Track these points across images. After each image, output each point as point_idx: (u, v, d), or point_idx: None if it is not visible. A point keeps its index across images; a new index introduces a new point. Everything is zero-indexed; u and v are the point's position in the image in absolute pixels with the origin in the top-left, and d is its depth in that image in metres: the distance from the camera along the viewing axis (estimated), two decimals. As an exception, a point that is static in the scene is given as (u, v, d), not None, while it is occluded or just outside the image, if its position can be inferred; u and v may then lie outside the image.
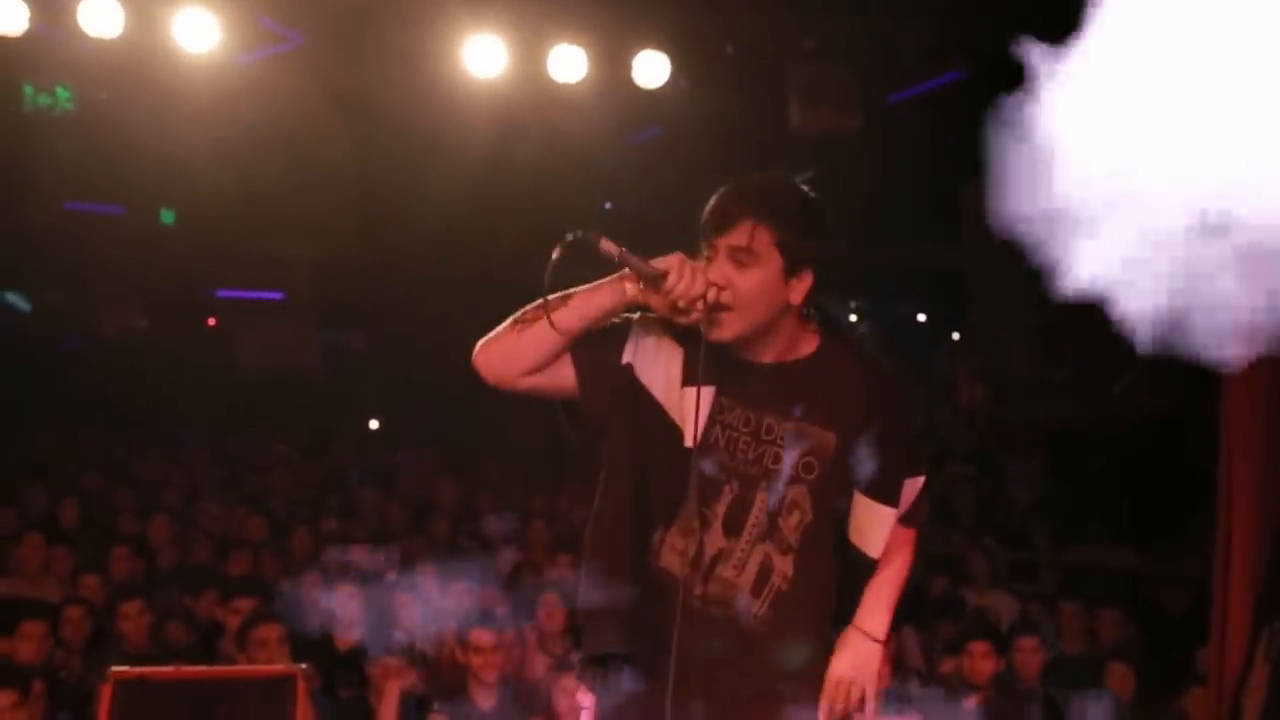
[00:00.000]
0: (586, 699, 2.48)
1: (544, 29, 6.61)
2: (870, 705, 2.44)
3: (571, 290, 2.35)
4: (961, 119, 6.80)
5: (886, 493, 2.41)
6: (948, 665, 5.79)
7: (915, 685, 5.76)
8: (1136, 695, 5.66)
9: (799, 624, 2.38)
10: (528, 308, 2.37)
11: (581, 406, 2.42)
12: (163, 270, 12.24)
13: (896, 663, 5.73)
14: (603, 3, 6.49)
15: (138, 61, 6.89)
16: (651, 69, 6.82)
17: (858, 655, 2.43)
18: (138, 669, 3.91)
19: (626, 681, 2.37)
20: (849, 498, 2.42)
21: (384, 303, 13.11)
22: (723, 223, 2.31)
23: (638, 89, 6.89)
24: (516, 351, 2.36)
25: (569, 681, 5.09)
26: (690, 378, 2.36)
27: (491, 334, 2.39)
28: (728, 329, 2.32)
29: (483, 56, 6.63)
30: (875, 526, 2.41)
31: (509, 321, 2.38)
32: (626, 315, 2.44)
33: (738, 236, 2.29)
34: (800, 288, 2.34)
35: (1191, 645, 6.23)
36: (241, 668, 4.34)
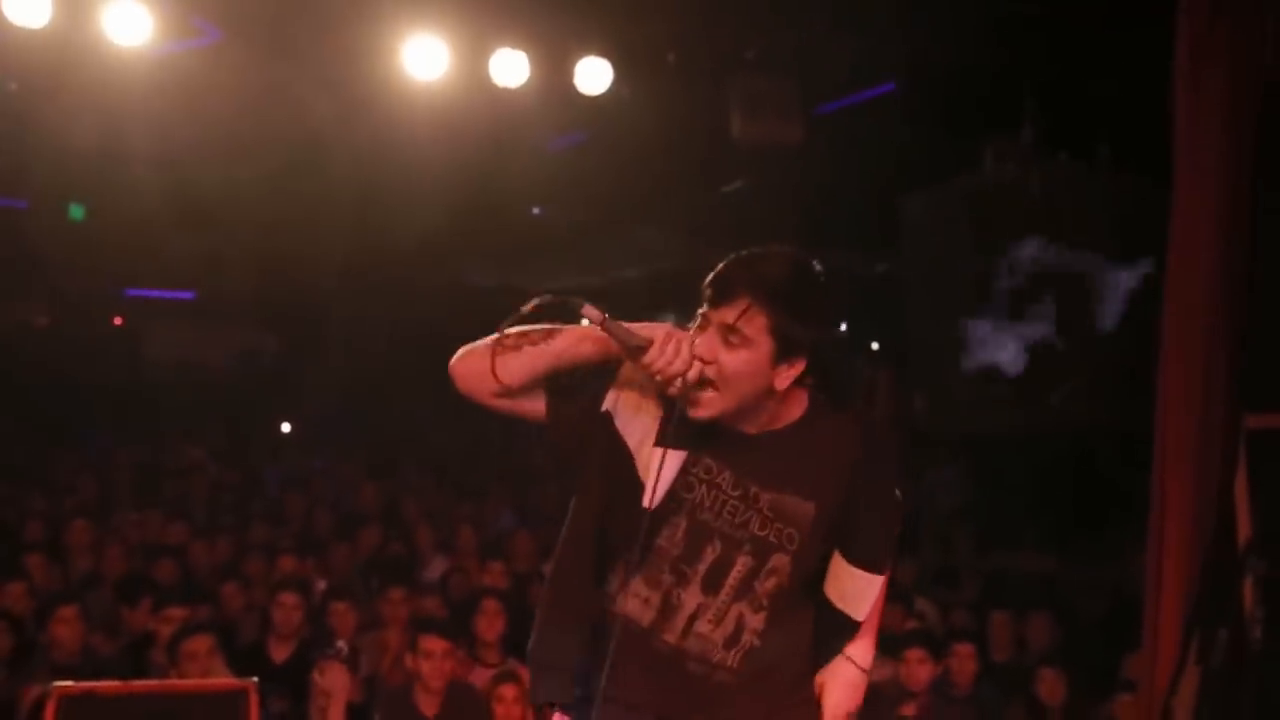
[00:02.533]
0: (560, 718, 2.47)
1: (486, 32, 6.55)
2: (839, 712, 2.44)
3: (558, 327, 2.32)
4: (902, 131, 6.94)
5: (875, 561, 2.39)
6: (884, 672, 5.85)
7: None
8: (1066, 701, 5.78)
9: (770, 678, 2.40)
10: (511, 331, 2.31)
11: (549, 442, 2.41)
12: (69, 266, 11.89)
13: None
14: (546, 7, 6.45)
15: (57, 53, 6.67)
16: (593, 75, 6.80)
17: (849, 686, 2.44)
18: (83, 685, 3.78)
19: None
20: (828, 561, 2.41)
21: (296, 304, 12.89)
22: (720, 295, 2.25)
23: (579, 95, 6.86)
24: (491, 374, 2.31)
25: (507, 690, 5.07)
26: (662, 439, 2.33)
27: (470, 347, 2.36)
28: (705, 408, 2.28)
29: (423, 58, 6.54)
30: (863, 592, 2.40)
31: (490, 340, 2.33)
32: (611, 366, 2.40)
33: (730, 314, 2.23)
34: (789, 374, 2.28)
35: (1109, 651, 6.42)
36: (191, 682, 4.22)
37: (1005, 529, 8.37)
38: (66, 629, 5.18)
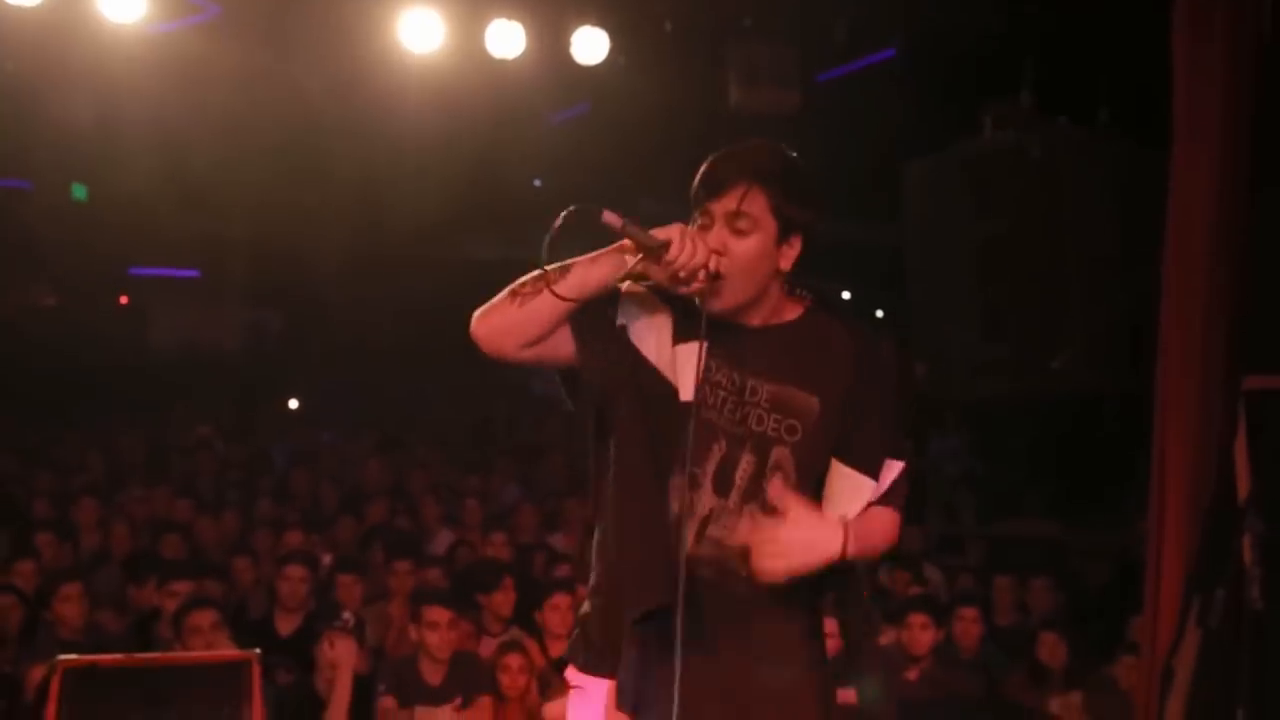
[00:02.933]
0: (576, 677, 2.47)
1: (481, 3, 6.52)
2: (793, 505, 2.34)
3: (570, 261, 2.32)
4: (900, 98, 6.90)
5: (866, 462, 2.40)
6: (888, 637, 5.88)
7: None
8: (1068, 664, 5.81)
9: (784, 586, 2.35)
10: (525, 279, 2.34)
11: (581, 375, 2.41)
12: (73, 247, 11.90)
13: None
14: (541, -23, 6.42)
15: (55, 32, 6.66)
16: (590, 45, 6.78)
17: (818, 526, 2.32)
18: (86, 657, 3.81)
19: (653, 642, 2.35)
20: (828, 466, 2.41)
21: (303, 281, 12.90)
22: (717, 188, 2.31)
23: (576, 66, 6.84)
24: (516, 324, 2.34)
25: (513, 659, 5.11)
26: (683, 334, 2.37)
27: (489, 305, 2.37)
28: (726, 298, 2.33)
29: (419, 31, 6.52)
30: (851, 496, 2.40)
31: (506, 293, 2.36)
32: (618, 285, 2.42)
33: (732, 200, 2.30)
34: (790, 254, 2.35)
35: (1114, 614, 6.44)
36: (194, 654, 4.25)
37: (1009, 495, 8.38)
38: (71, 606, 5.22)
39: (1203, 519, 4.74)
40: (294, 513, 8.02)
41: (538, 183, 9.86)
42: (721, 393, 2.38)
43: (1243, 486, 4.51)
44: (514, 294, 2.35)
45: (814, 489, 2.41)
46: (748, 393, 2.38)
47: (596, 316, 2.39)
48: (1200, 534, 4.76)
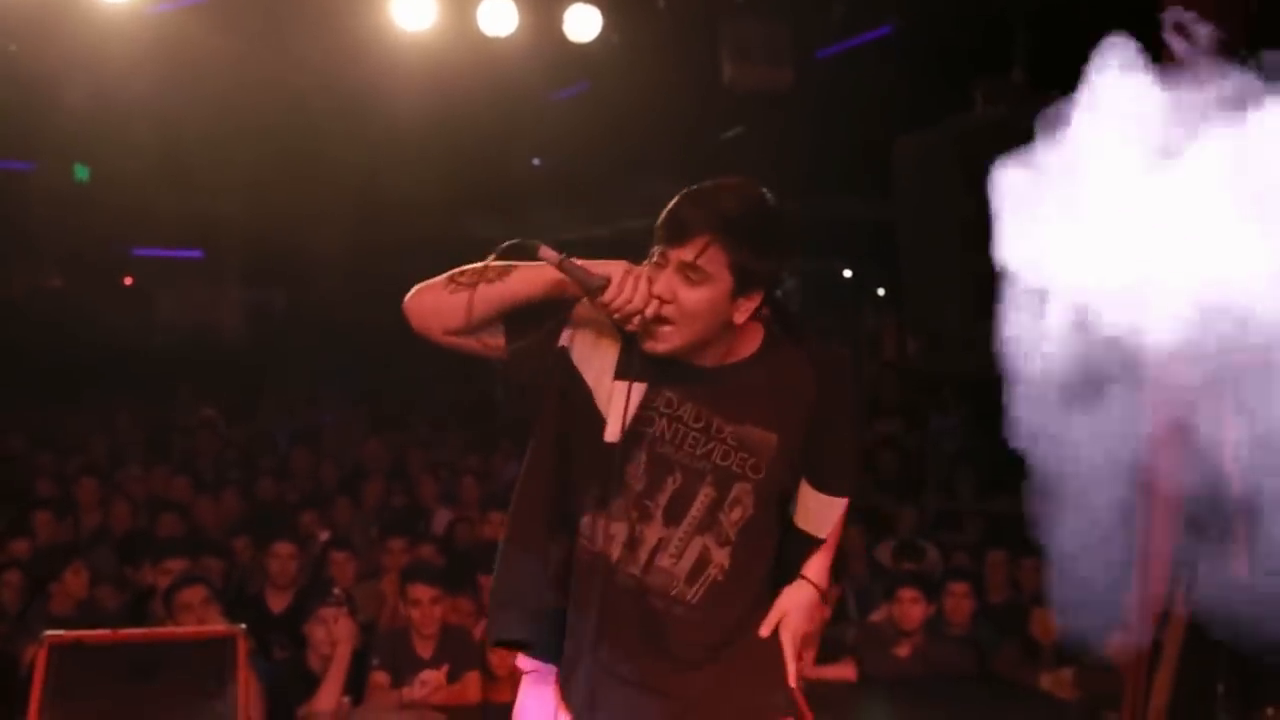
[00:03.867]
0: (526, 663, 2.48)
1: (474, -19, 6.51)
2: (798, 636, 2.47)
3: (514, 264, 2.31)
4: (892, 74, 6.87)
5: (838, 485, 2.44)
6: (880, 613, 5.90)
7: (850, 633, 5.87)
8: (1059, 640, 5.81)
9: (731, 612, 2.40)
10: (467, 268, 2.32)
11: (509, 378, 2.40)
12: (76, 228, 11.94)
13: (835, 612, 5.83)
14: (533, -46, 6.40)
15: (53, 12, 6.67)
16: (582, 22, 6.76)
17: (806, 608, 2.48)
18: (72, 633, 3.84)
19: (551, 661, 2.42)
20: (795, 488, 2.43)
21: (306, 261, 12.91)
22: (677, 233, 2.24)
23: (568, 43, 6.82)
24: (446, 310, 2.32)
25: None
26: (623, 372, 2.33)
27: (425, 284, 2.35)
28: (664, 343, 2.28)
29: (411, 9, 6.52)
30: (827, 515, 2.44)
31: (445, 277, 2.34)
32: (569, 303, 2.40)
33: (690, 252, 2.23)
34: (747, 306, 2.29)
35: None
36: (180, 629, 4.27)
37: (1005, 472, 8.33)
38: (76, 580, 5.26)
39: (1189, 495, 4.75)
40: (294, 492, 8.06)
41: (536, 161, 9.85)
42: (683, 428, 2.35)
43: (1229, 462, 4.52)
44: (451, 279, 2.33)
45: (771, 516, 2.42)
46: (713, 429, 2.35)
47: (536, 326, 2.36)
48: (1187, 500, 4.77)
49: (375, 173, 9.24)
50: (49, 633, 3.79)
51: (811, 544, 2.47)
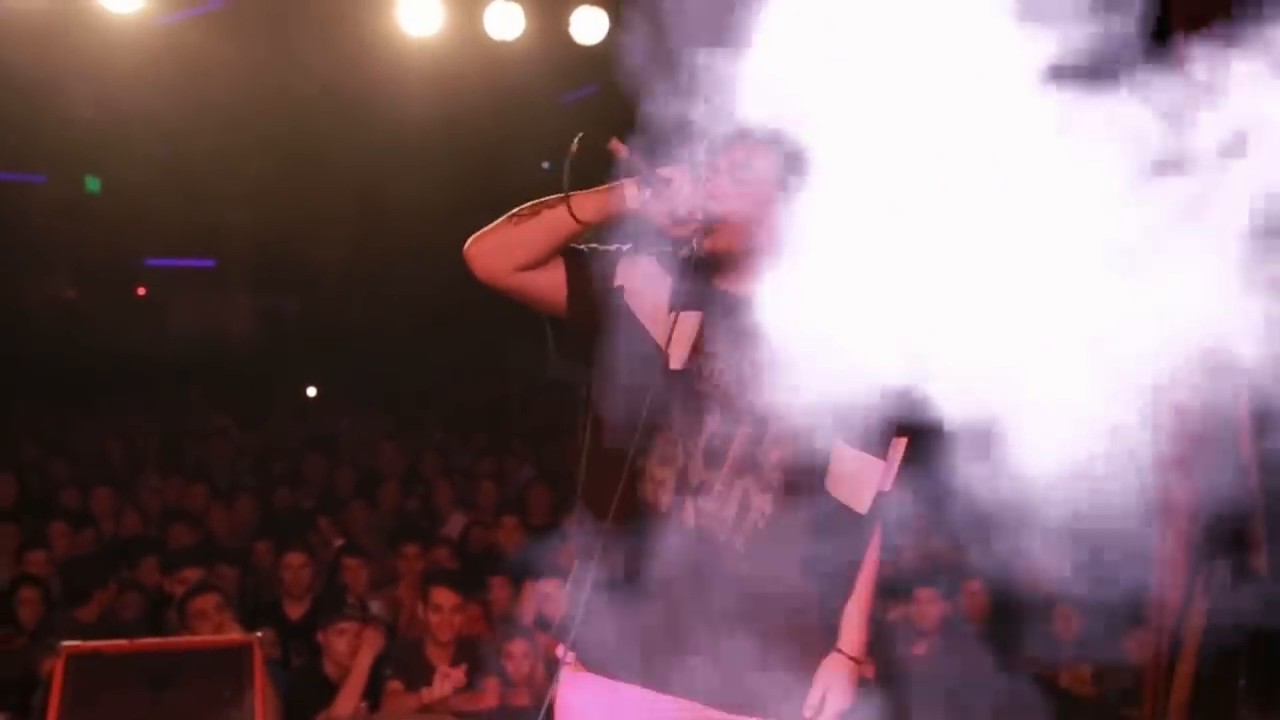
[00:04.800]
0: (565, 654, 2.46)
1: (479, -16, 6.51)
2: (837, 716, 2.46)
3: (564, 195, 2.34)
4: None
5: (872, 442, 2.39)
6: (896, 612, 5.87)
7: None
8: (1080, 634, 5.78)
9: (778, 563, 2.36)
10: (523, 205, 2.37)
11: (567, 319, 2.42)
12: (89, 240, 11.99)
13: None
14: (539, -43, 6.40)
15: (61, 24, 6.70)
16: (589, 25, 6.76)
17: (843, 682, 2.47)
18: (90, 643, 3.84)
19: (615, 618, 2.37)
20: (827, 445, 2.38)
21: (316, 267, 12.94)
22: (723, 143, 2.34)
23: (576, 46, 6.82)
24: (511, 243, 2.35)
25: (518, 646, 5.10)
26: (681, 303, 2.37)
27: (486, 228, 2.39)
28: (720, 241, 2.34)
29: (418, 14, 6.52)
30: (861, 478, 2.39)
31: (505, 217, 2.38)
32: (618, 246, 2.46)
33: (737, 152, 2.32)
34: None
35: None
36: (197, 638, 4.27)
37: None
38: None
39: (1206, 488, 4.72)
40: (309, 498, 8.07)
41: (546, 165, 9.83)
42: (718, 365, 2.37)
43: (1245, 454, 4.49)
44: (511, 216, 2.38)
45: (812, 470, 2.39)
46: (747, 365, 2.35)
47: (593, 270, 2.41)
48: (1204, 503, 4.74)
49: (383, 178, 9.25)
50: (66, 643, 3.80)
51: (850, 524, 2.40)
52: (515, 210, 2.37)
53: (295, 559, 5.47)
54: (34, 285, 13.88)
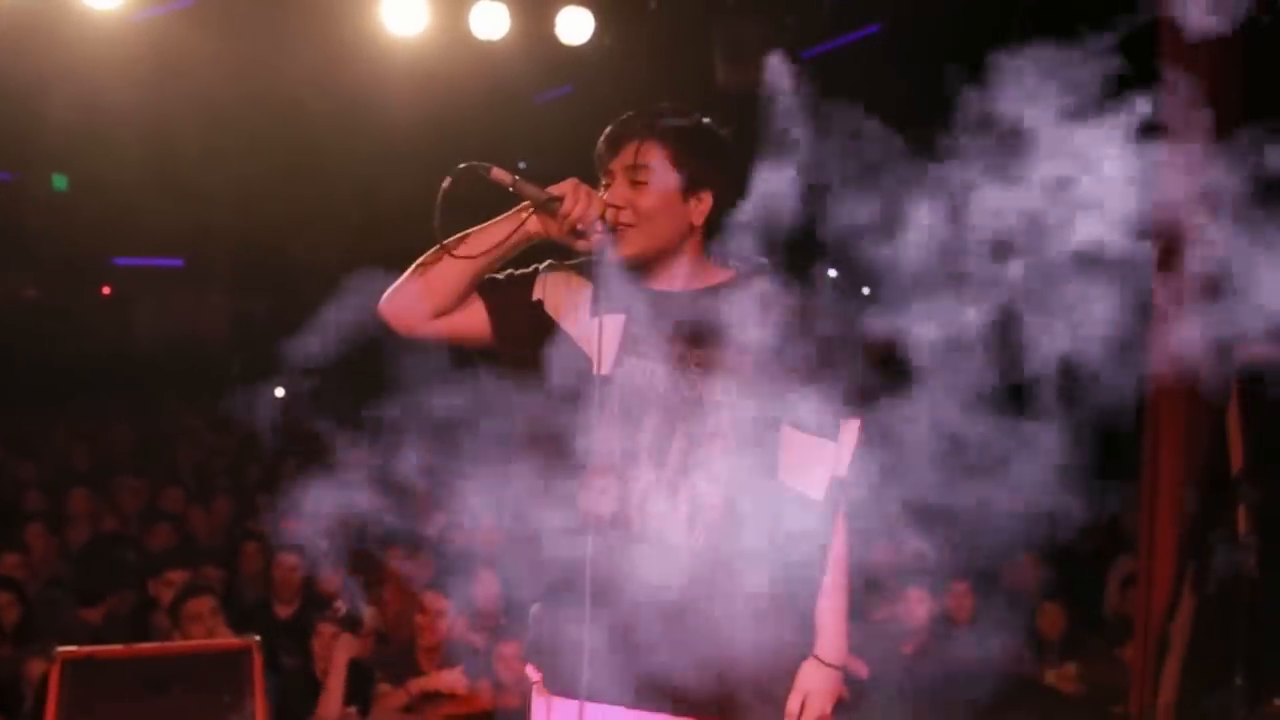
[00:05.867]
0: (534, 673, 2.44)
1: (465, -17, 6.47)
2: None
3: (469, 231, 2.33)
4: (881, 73, 6.87)
5: (820, 424, 2.35)
6: (883, 612, 5.89)
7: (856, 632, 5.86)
8: (1066, 633, 5.84)
9: (736, 559, 2.32)
10: (426, 254, 2.35)
11: (498, 348, 2.39)
12: (56, 238, 11.83)
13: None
14: (524, -43, 6.37)
15: (36, 18, 6.59)
16: (574, 25, 6.74)
17: (824, 690, 2.41)
18: (85, 648, 3.78)
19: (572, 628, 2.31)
20: (775, 433, 2.35)
21: (291, 268, 12.83)
22: (613, 145, 2.34)
23: (561, 46, 6.79)
24: (422, 293, 2.33)
25: (507, 648, 5.07)
26: (602, 308, 2.35)
27: (392, 285, 2.37)
28: (629, 245, 2.32)
29: (402, 13, 6.47)
30: (811, 462, 2.35)
31: (408, 271, 2.36)
32: (534, 265, 2.44)
33: (628, 155, 2.31)
34: (700, 209, 2.35)
35: (1101, 585, 6.48)
36: (194, 643, 4.22)
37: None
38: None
39: (1196, 487, 4.78)
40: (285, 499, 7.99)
41: (523, 165, 9.81)
42: (650, 364, 2.34)
43: (1236, 454, 4.55)
44: (415, 268, 2.35)
45: (754, 451, 2.34)
46: (679, 360, 2.33)
47: (507, 288, 2.40)
48: (1193, 503, 4.80)
49: (365, 177, 9.19)
50: (61, 649, 3.73)
51: (808, 508, 2.35)
52: (420, 260, 2.34)
53: (286, 559, 5.43)
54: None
